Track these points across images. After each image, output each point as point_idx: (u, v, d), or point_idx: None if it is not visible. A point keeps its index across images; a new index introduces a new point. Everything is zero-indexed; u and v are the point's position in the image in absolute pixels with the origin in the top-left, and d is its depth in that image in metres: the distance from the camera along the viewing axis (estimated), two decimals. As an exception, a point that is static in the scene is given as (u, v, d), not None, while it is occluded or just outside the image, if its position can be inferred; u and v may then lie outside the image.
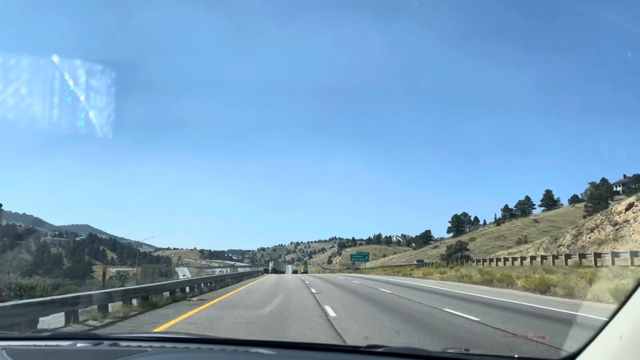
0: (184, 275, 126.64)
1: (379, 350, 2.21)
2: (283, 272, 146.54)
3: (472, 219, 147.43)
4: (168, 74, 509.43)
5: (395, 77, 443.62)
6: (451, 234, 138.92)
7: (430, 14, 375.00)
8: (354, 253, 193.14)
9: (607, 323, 1.56)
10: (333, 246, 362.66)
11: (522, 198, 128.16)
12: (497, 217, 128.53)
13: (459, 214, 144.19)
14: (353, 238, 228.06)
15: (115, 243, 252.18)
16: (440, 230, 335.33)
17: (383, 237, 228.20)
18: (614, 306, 1.56)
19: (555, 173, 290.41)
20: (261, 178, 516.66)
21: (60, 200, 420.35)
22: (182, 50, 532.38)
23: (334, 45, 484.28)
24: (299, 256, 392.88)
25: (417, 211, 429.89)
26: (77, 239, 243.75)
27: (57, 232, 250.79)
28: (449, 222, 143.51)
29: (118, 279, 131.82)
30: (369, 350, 2.23)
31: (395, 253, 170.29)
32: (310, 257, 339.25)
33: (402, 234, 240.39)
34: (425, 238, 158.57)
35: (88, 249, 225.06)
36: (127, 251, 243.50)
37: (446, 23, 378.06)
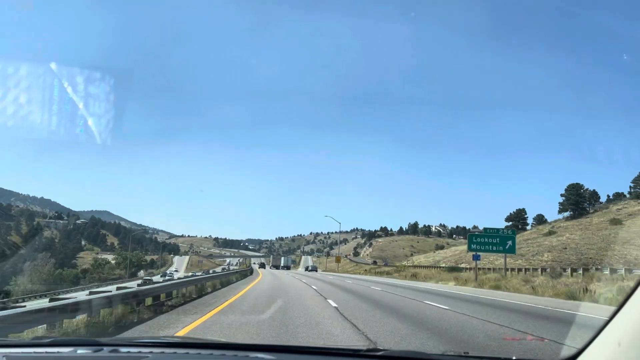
0: (171, 271, 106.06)
1: (379, 353, 2.19)
2: (289, 267, 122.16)
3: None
4: (191, 69, 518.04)
5: (418, 69, 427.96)
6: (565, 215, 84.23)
7: (456, 2, 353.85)
8: (385, 243, 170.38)
9: (606, 324, 1.54)
10: (356, 237, 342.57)
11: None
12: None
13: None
14: (385, 228, 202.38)
15: (118, 228, 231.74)
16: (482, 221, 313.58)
17: (421, 226, 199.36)
18: None
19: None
20: (282, 169, 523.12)
21: (81, 187, 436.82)
22: (203, 44, 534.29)
23: (356, 36, 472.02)
24: (319, 247, 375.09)
25: (447, 203, 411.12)
26: (77, 222, 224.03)
27: (55, 213, 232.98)
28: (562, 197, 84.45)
29: (96, 267, 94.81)
30: (369, 353, 2.22)
31: (449, 246, 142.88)
32: (331, 249, 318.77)
33: (440, 224, 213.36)
34: (520, 219, 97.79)
35: (87, 232, 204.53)
36: (130, 236, 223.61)
37: (471, 13, 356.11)
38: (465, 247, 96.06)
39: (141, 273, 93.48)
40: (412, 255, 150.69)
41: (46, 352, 2.26)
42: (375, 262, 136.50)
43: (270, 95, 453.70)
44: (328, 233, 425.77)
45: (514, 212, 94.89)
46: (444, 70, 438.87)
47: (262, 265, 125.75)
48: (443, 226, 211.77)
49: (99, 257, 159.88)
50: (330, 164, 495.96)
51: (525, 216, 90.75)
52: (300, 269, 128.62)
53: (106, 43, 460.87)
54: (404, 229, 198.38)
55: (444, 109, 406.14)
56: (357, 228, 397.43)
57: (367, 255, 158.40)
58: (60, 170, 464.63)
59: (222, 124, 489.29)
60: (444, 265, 57.03)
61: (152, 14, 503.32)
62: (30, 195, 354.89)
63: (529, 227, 70.18)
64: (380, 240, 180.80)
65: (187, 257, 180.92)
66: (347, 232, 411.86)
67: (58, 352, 2.26)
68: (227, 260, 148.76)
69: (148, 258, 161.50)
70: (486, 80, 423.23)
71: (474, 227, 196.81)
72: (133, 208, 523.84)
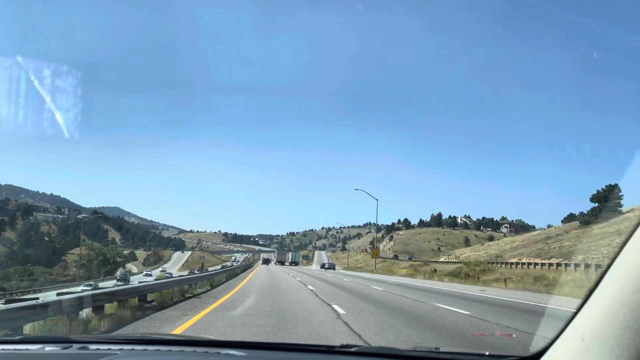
0: (147, 272, 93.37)
1: (352, 350, 2.20)
2: (297, 264, 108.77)
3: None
4: (200, 66, 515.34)
5: (428, 63, 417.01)
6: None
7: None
8: (407, 236, 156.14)
9: (569, 321, 1.55)
10: (370, 231, 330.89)
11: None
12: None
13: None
14: (407, 220, 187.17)
15: (121, 223, 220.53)
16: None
17: (445, 217, 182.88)
18: None
19: None
20: (292, 164, 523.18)
21: (92, 184, 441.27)
22: (213, 40, 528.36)
23: (366, 30, 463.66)
24: (331, 242, 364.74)
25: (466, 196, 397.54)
26: (78, 217, 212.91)
27: (55, 208, 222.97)
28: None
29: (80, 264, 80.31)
30: (342, 350, 2.22)
31: (477, 238, 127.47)
32: (344, 243, 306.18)
33: (465, 215, 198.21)
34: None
35: (88, 227, 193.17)
36: (132, 232, 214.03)
37: (482, 3, 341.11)
38: (514, 238, 77.74)
39: (120, 271, 79.86)
40: (439, 249, 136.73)
41: (14, 349, 2.22)
42: (396, 257, 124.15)
43: (280, 91, 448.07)
44: (340, 228, 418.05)
45: (602, 189, 61.18)
46: (454, 64, 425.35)
47: (266, 261, 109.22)
48: (468, 217, 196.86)
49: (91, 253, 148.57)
50: (340, 158, 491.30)
51: (620, 194, 56.91)
52: (315, 266, 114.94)
53: (114, 39, 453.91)
54: (425, 221, 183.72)
55: (455, 103, 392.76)
56: (369, 222, 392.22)
57: (389, 249, 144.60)
58: (67, 167, 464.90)
59: (232, 119, 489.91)
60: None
61: (163, 9, 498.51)
62: (40, 192, 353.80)
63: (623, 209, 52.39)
64: (401, 233, 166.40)
65: (188, 254, 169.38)
66: (359, 226, 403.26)
67: (26, 350, 2.21)
68: (233, 256, 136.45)
69: (140, 254, 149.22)
70: (500, 73, 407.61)
71: (503, 218, 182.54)
72: (143, 205, 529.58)
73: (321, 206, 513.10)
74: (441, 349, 2.22)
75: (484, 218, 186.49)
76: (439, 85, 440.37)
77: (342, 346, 2.23)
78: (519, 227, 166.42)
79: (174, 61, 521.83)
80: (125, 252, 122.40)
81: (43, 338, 2.53)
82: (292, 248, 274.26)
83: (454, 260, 58.21)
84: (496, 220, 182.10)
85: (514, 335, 7.57)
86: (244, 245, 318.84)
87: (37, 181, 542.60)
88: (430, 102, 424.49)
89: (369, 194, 54.76)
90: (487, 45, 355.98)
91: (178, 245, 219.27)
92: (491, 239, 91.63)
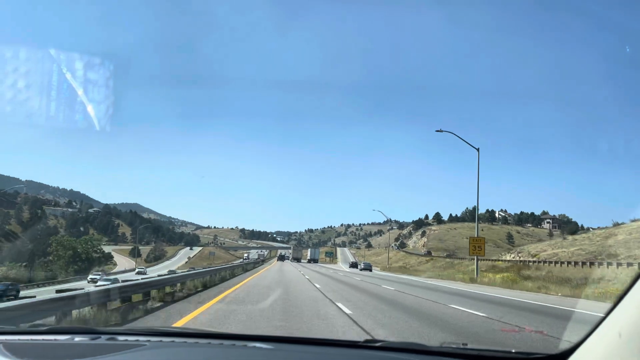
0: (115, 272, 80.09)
1: (377, 344, 2.18)
2: (316, 261, 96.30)
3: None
4: (219, 59, 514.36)
5: (450, 58, 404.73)
6: None
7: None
8: (441, 231, 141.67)
9: (603, 319, 1.53)
10: (392, 228, 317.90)
11: None
12: None
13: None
14: (438, 214, 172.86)
15: (133, 217, 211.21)
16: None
17: (483, 211, 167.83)
18: None
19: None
20: (311, 161, 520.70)
21: (113, 181, 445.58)
22: (232, 36, 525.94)
23: (387, 25, 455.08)
24: (351, 239, 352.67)
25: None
26: (89, 210, 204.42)
27: (65, 201, 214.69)
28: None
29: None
30: (367, 344, 2.21)
31: (520, 235, 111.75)
32: (365, 240, 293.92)
33: (502, 209, 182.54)
34: None
35: (98, 222, 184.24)
36: (144, 226, 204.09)
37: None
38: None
39: (94, 270, 63.99)
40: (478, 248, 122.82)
41: (43, 340, 2.25)
42: (429, 253, 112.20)
43: (299, 87, 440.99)
44: (360, 224, 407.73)
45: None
46: (476, 59, 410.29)
47: (282, 258, 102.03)
48: (504, 212, 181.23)
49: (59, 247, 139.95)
50: (360, 155, 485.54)
51: None
52: (341, 264, 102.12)
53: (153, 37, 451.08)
54: (456, 216, 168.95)
55: (477, 97, 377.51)
56: (390, 219, 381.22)
57: (422, 245, 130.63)
58: (86, 162, 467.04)
59: (252, 115, 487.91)
60: None
61: (183, 4, 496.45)
62: (60, 188, 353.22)
63: None
64: (434, 228, 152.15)
65: (197, 250, 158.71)
66: (380, 223, 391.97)
67: (55, 340, 2.24)
68: (245, 254, 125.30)
69: (145, 250, 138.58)
70: (523, 68, 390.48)
71: (544, 212, 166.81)
72: (163, 202, 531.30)
73: (340, 203, 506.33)
74: (469, 345, 2.16)
75: (522, 212, 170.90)
76: (460, 79, 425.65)
77: (367, 341, 2.21)
78: (563, 223, 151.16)
79: (190, 55, 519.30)
80: (105, 247, 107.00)
81: (71, 329, 2.53)
82: (310, 245, 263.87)
83: (532, 259, 44.70)
84: (537, 214, 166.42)
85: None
86: (261, 241, 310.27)
87: (58, 178, 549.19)
88: (452, 98, 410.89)
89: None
90: (512, 38, 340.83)
91: (192, 241, 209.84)
92: (573, 232, 77.26)
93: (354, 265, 78.03)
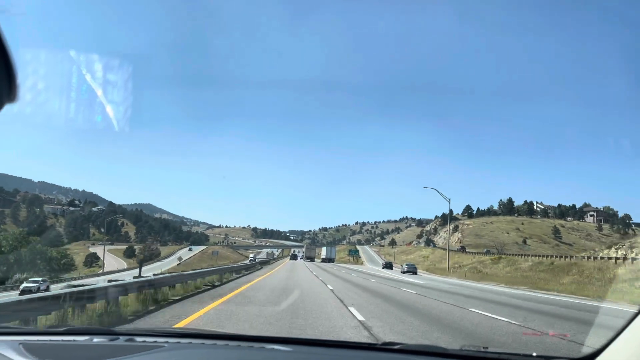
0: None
1: (396, 347, 2.18)
2: (332, 260, 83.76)
3: None
4: (234, 64, 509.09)
5: (462, 56, 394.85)
6: None
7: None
8: (477, 226, 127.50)
9: (629, 322, 1.51)
10: (410, 225, 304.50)
11: None
12: None
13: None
14: (469, 207, 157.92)
15: (139, 216, 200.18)
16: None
17: (520, 203, 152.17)
18: None
19: None
20: (324, 160, 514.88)
21: (126, 181, 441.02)
22: (244, 35, 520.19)
23: (398, 23, 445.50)
24: (366, 237, 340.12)
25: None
26: (93, 209, 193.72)
27: (66, 199, 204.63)
28: None
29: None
30: (386, 347, 2.21)
31: (565, 229, 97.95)
32: (382, 238, 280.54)
33: (538, 201, 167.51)
34: None
35: (101, 221, 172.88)
36: (149, 225, 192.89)
37: None
38: None
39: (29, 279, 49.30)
40: (524, 241, 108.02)
41: (62, 340, 2.26)
42: (463, 249, 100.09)
43: (309, 86, 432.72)
44: (375, 222, 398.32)
45: None
46: (489, 56, 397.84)
47: (294, 257, 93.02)
48: (541, 204, 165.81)
49: (89, 249, 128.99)
50: (373, 153, 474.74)
51: None
52: (368, 264, 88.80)
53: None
54: (490, 210, 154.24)
55: (490, 96, 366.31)
56: (406, 217, 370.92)
57: (457, 241, 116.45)
58: (101, 163, 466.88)
59: (264, 115, 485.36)
60: None
61: (195, 4, 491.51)
62: (72, 189, 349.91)
63: None
64: (468, 222, 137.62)
65: (199, 249, 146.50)
66: (396, 220, 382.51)
67: (74, 340, 2.26)
68: (251, 254, 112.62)
69: (112, 248, 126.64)
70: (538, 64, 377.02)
71: (586, 205, 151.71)
72: (175, 201, 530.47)
73: (354, 202, 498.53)
74: (489, 349, 2.16)
75: (559, 205, 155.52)
76: (474, 76, 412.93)
77: (385, 343, 2.22)
78: (609, 216, 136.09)
79: (201, 55, 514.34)
80: (98, 247, 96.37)
81: (89, 329, 2.53)
82: (325, 243, 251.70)
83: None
84: (578, 207, 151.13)
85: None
86: (273, 240, 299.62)
87: (72, 179, 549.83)
88: (465, 95, 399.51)
89: (440, 193, 52.47)
90: (526, 35, 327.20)
91: (199, 240, 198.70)
92: (627, 226, 62.96)
93: (388, 265, 65.72)
